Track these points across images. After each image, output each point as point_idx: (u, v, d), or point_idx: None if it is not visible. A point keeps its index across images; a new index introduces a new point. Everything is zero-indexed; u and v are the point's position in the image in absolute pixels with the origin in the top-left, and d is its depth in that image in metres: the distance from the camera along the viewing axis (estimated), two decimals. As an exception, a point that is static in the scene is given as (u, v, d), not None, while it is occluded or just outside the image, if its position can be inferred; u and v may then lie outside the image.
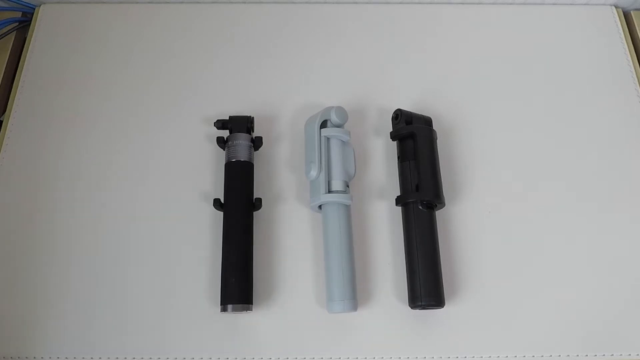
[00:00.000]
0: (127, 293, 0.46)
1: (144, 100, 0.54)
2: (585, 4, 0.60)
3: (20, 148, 0.51)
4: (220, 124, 0.50)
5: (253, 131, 0.51)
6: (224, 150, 0.49)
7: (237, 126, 0.49)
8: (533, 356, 0.44)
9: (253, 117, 0.50)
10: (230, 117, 0.50)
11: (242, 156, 0.48)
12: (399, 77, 0.55)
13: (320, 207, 0.47)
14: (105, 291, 0.46)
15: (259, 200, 0.47)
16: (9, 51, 0.57)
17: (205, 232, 0.48)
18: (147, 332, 0.44)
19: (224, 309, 0.43)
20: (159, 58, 0.56)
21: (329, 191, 0.46)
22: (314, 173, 0.46)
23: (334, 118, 0.48)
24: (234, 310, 0.43)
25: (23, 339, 0.44)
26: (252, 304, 0.44)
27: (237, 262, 0.44)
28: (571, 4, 0.60)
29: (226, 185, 0.47)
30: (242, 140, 0.48)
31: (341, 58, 0.57)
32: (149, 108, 0.53)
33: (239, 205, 0.46)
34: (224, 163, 0.48)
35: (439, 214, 0.48)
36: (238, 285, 0.44)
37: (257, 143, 0.50)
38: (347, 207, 0.47)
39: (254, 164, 0.49)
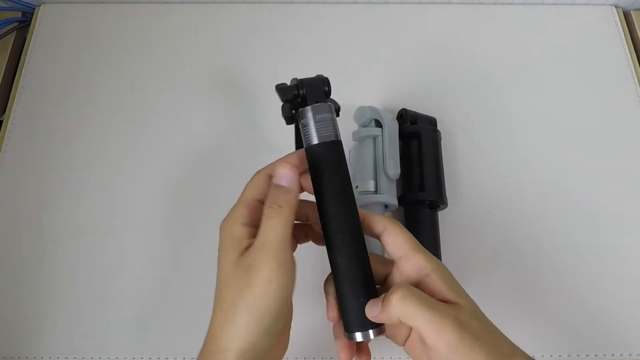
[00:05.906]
0: (127, 293, 0.46)
1: (144, 100, 0.54)
2: (585, 4, 0.60)
3: (20, 148, 0.51)
4: (291, 94, 0.34)
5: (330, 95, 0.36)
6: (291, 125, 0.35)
7: (312, 92, 0.34)
8: (533, 356, 0.44)
9: (328, 78, 0.36)
10: (299, 80, 0.35)
11: (332, 135, 0.33)
12: (399, 77, 0.55)
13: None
14: (105, 291, 0.46)
15: None
16: (9, 51, 0.57)
17: (205, 232, 0.48)
18: (147, 332, 0.44)
19: (224, 309, 0.43)
20: (159, 58, 0.56)
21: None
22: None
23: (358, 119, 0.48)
24: (234, 310, 0.43)
25: (23, 339, 0.44)
26: (252, 304, 0.44)
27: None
28: (571, 4, 0.60)
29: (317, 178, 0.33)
30: (327, 112, 0.34)
31: (341, 58, 0.56)
32: (148, 108, 0.53)
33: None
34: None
35: (440, 213, 0.47)
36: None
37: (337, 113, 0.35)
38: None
39: None
